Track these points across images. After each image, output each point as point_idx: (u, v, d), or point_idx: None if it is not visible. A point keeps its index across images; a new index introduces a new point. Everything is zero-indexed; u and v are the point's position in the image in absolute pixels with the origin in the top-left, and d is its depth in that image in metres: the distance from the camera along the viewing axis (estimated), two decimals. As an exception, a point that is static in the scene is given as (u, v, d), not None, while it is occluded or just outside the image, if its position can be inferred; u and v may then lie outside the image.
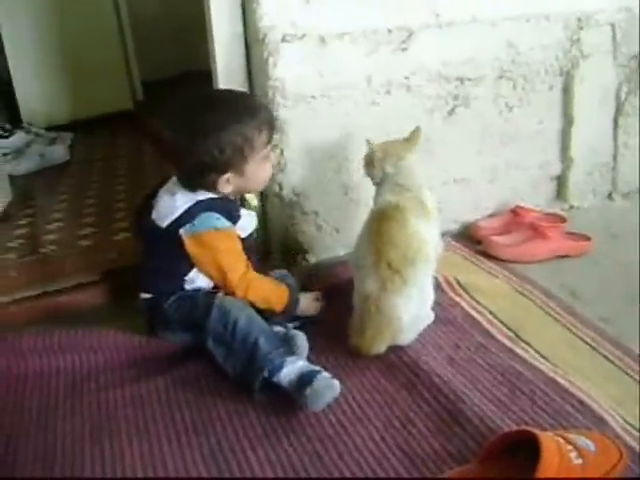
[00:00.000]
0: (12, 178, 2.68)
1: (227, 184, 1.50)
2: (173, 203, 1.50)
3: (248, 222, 1.60)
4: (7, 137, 3.07)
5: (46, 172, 2.99)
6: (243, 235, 1.57)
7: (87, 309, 1.82)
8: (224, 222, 1.51)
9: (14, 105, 3.46)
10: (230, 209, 1.54)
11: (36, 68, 3.51)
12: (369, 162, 1.68)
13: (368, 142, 1.68)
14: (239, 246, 1.54)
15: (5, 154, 2.87)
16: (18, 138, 3.11)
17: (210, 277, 1.54)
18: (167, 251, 1.53)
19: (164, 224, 1.50)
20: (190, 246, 1.49)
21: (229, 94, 1.62)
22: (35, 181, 2.90)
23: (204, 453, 1.26)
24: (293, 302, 1.58)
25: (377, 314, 1.46)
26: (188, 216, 1.49)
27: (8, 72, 3.43)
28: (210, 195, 1.51)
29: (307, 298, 1.63)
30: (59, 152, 3.11)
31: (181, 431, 1.32)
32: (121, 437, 1.31)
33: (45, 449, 1.29)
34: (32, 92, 3.50)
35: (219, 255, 1.51)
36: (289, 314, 1.59)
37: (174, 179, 1.55)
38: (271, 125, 1.55)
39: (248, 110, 1.50)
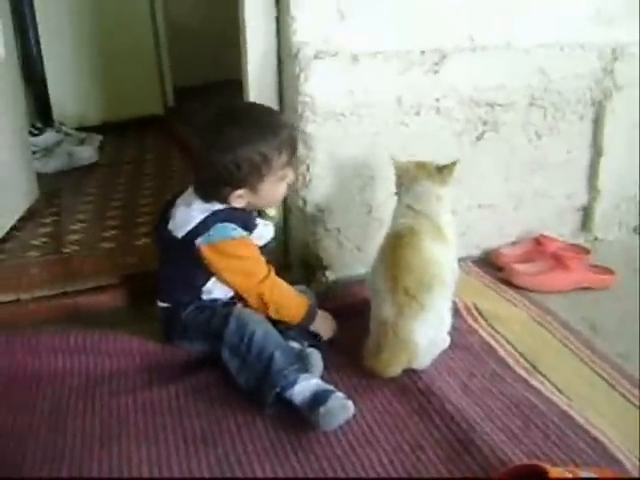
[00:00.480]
0: (40, 176, 2.71)
1: (240, 199, 1.50)
2: (189, 213, 1.51)
3: (265, 231, 1.60)
4: (37, 135, 3.11)
5: (74, 172, 3.03)
6: (260, 244, 1.57)
7: (105, 311, 1.83)
8: (240, 231, 1.51)
9: (47, 104, 3.50)
10: (246, 219, 1.54)
11: (71, 69, 3.57)
12: (395, 182, 1.67)
13: (392, 159, 1.66)
14: (258, 252, 1.55)
15: (34, 152, 2.89)
16: (48, 137, 3.15)
17: (231, 285, 1.54)
18: (184, 261, 1.54)
19: (180, 234, 1.51)
20: (208, 255, 1.49)
21: (256, 109, 1.60)
22: (62, 180, 2.93)
23: (211, 463, 1.26)
24: (311, 316, 1.58)
25: (394, 338, 1.45)
26: (204, 226, 1.49)
27: (43, 72, 3.47)
28: (226, 205, 1.52)
29: (324, 317, 1.63)
30: (88, 153, 3.15)
31: (189, 440, 1.32)
32: (130, 442, 1.31)
33: (54, 449, 1.29)
34: (65, 92, 3.55)
35: (240, 261, 1.52)
36: (304, 328, 1.58)
37: (190, 189, 1.56)
38: (292, 146, 1.54)
39: (271, 128, 1.49)
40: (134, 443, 1.31)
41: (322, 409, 1.31)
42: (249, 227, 1.54)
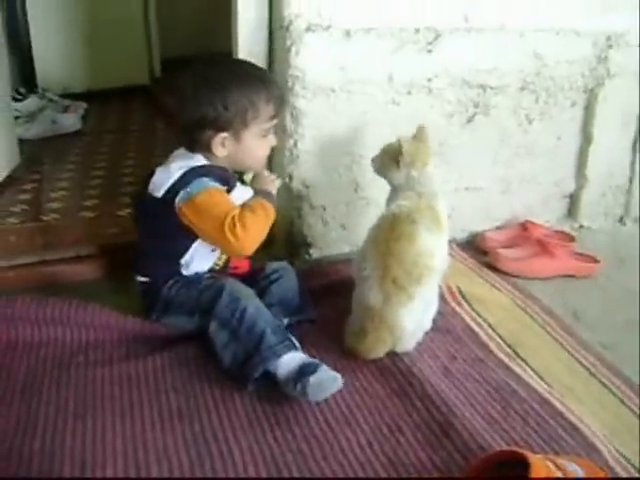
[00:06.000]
0: (21, 142, 2.65)
1: (222, 146, 1.49)
2: (168, 171, 1.49)
3: (244, 192, 1.56)
4: (21, 100, 3.05)
5: (56, 139, 2.97)
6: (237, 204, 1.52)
7: (84, 282, 1.81)
8: (215, 183, 1.47)
9: (32, 70, 3.43)
10: (225, 176, 1.51)
11: (57, 34, 3.49)
12: (391, 162, 1.59)
13: (400, 139, 1.58)
14: (232, 201, 1.48)
15: (17, 117, 2.83)
16: (31, 102, 3.09)
17: (212, 240, 1.49)
18: (164, 228, 1.50)
19: (160, 193, 1.48)
20: (188, 214, 1.45)
21: (249, 63, 1.64)
22: (44, 147, 2.87)
23: (186, 439, 1.24)
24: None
25: (380, 322, 1.43)
26: (183, 182, 1.46)
27: (29, 37, 3.40)
28: (205, 162, 1.50)
29: (264, 178, 1.60)
30: (71, 120, 3.09)
31: (165, 415, 1.30)
32: (105, 415, 1.29)
33: (27, 419, 1.27)
34: (50, 58, 3.48)
35: (214, 209, 1.44)
36: None
37: (171, 155, 1.54)
38: (280, 103, 1.55)
39: (262, 80, 1.52)
40: (109, 417, 1.28)
41: (312, 378, 1.29)
42: (229, 184, 1.51)
